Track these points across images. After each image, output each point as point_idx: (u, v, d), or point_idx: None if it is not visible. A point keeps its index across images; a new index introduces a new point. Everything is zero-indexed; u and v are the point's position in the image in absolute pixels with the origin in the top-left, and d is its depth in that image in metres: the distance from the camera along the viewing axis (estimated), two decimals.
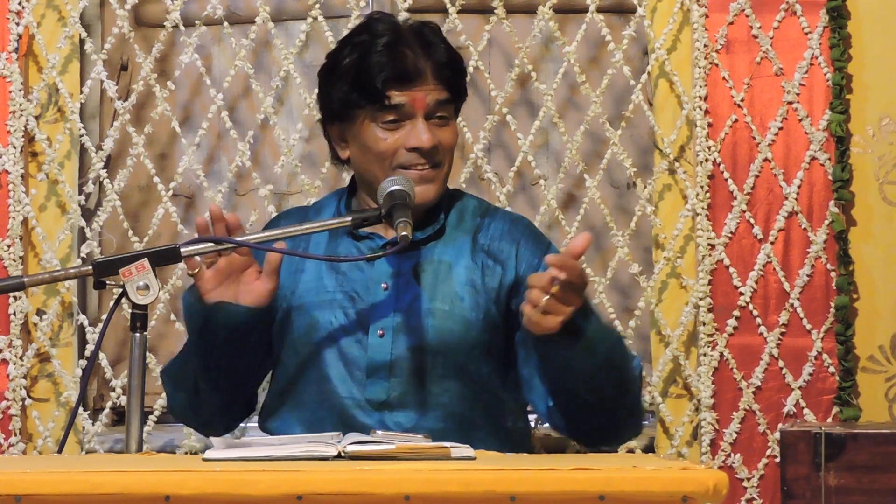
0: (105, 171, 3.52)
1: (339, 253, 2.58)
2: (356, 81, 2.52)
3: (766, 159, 3.44)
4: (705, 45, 3.44)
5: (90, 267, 2.32)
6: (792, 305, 3.42)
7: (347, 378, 2.52)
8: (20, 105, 3.48)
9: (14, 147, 3.47)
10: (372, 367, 2.51)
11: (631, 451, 3.43)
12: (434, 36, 2.57)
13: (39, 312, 3.50)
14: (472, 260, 2.58)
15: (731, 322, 3.42)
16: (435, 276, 2.55)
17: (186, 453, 3.43)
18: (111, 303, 2.38)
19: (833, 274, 3.41)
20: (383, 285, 2.54)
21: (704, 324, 3.41)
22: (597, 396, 2.40)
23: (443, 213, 2.61)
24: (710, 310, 3.42)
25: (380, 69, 2.50)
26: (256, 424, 2.73)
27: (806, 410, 3.40)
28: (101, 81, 3.55)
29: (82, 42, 3.53)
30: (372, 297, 2.54)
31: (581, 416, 2.44)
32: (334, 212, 2.65)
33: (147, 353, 2.60)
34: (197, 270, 2.42)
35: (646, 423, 3.54)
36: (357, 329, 2.53)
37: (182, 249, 2.36)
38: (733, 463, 3.40)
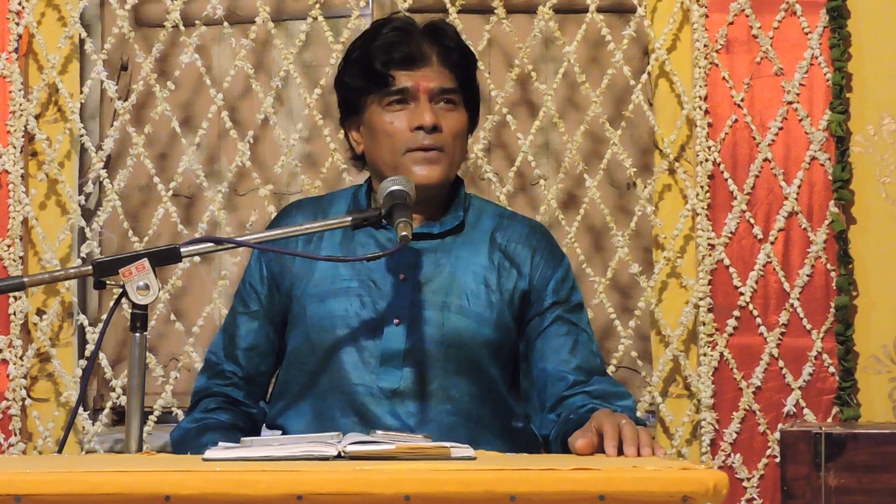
0: (105, 171, 3.52)
1: (356, 243, 2.59)
2: (363, 67, 2.58)
3: (766, 159, 3.44)
4: (705, 45, 3.44)
5: (90, 267, 2.32)
6: (792, 305, 3.42)
7: (360, 366, 2.52)
8: (20, 105, 3.48)
9: (14, 147, 3.48)
10: (386, 356, 2.52)
11: None
12: (445, 26, 2.63)
13: (39, 312, 3.50)
14: (489, 259, 2.59)
15: (731, 322, 3.42)
16: (452, 271, 2.56)
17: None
18: (111, 303, 2.38)
19: (833, 274, 3.42)
20: (401, 276, 2.55)
21: (704, 324, 3.41)
22: None
23: (462, 210, 2.62)
24: (710, 310, 3.42)
25: (384, 52, 2.56)
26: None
27: (806, 410, 3.40)
28: (101, 81, 3.56)
29: (82, 42, 3.53)
30: (389, 287, 2.55)
31: None
32: (349, 201, 2.66)
33: (147, 353, 2.60)
34: None
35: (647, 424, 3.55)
36: (373, 317, 2.54)
37: (182, 249, 2.36)
38: (733, 463, 3.41)
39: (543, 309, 2.58)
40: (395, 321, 2.53)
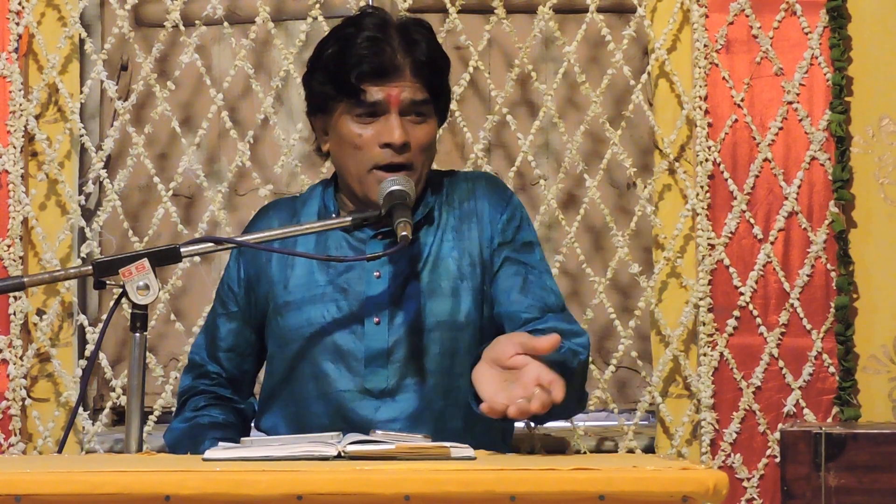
0: (105, 171, 3.52)
1: (330, 245, 2.58)
2: (334, 74, 2.54)
3: (766, 159, 3.44)
4: (705, 45, 3.44)
5: (90, 267, 2.32)
6: (792, 305, 3.42)
7: (345, 370, 2.52)
8: (20, 105, 3.48)
9: (14, 147, 3.48)
10: (370, 356, 2.51)
11: (631, 451, 3.43)
12: (419, 34, 2.56)
13: (39, 312, 3.50)
14: (453, 231, 2.58)
15: (731, 322, 3.42)
16: (424, 258, 2.56)
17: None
18: (111, 303, 2.38)
19: (833, 274, 3.42)
20: (375, 273, 2.55)
21: (704, 324, 3.41)
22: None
23: (426, 205, 2.61)
24: (710, 310, 3.42)
25: (357, 63, 2.51)
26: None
27: (806, 410, 3.40)
28: (101, 81, 3.56)
29: (82, 42, 3.53)
30: (364, 287, 2.54)
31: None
32: (320, 203, 2.65)
33: (147, 353, 2.60)
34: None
35: (645, 419, 3.54)
36: (351, 320, 2.53)
37: (182, 249, 2.37)
38: (733, 463, 3.41)
39: (492, 252, 2.57)
40: (376, 320, 2.53)
